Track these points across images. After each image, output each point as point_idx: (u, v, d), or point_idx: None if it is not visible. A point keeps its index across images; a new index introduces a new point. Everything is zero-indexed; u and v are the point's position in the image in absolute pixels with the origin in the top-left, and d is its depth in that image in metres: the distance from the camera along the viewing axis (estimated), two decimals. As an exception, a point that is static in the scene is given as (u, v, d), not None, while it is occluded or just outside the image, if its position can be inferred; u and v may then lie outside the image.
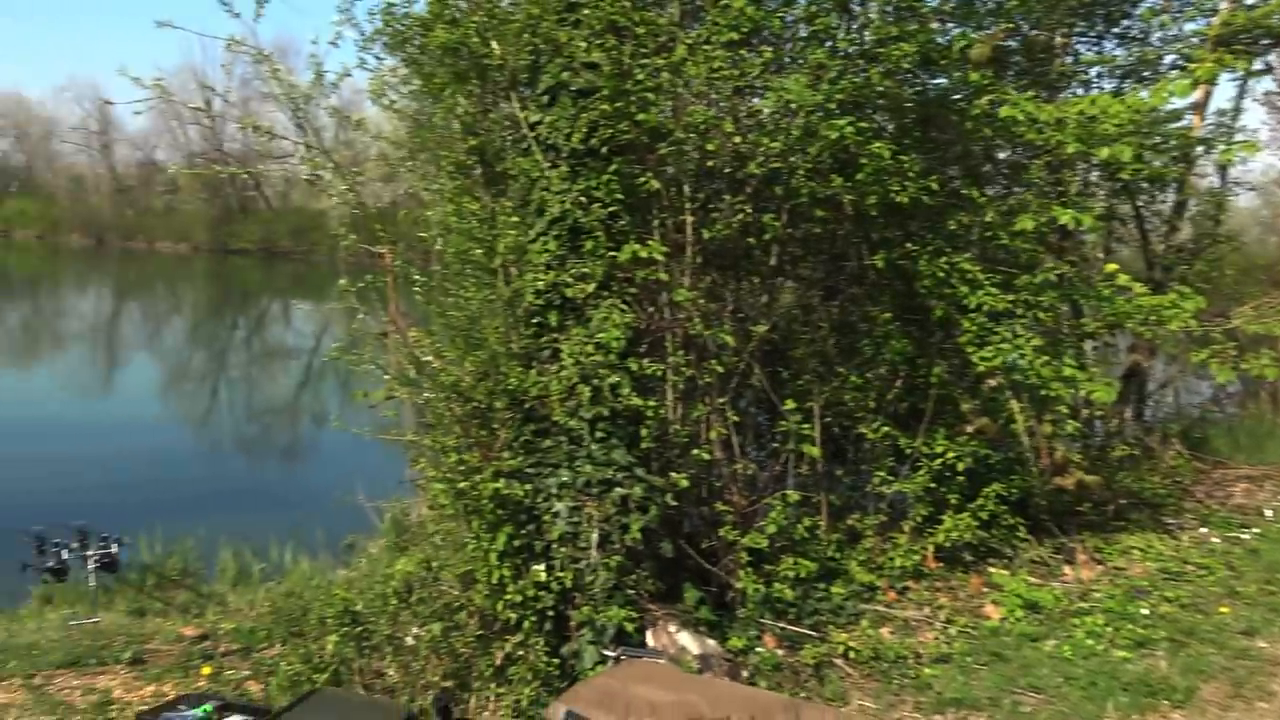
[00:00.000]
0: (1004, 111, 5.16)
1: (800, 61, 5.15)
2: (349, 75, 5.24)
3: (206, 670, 5.05)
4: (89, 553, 6.42)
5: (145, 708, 4.32)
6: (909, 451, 5.97)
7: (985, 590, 5.98)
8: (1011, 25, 6.15)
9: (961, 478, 5.91)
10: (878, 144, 4.74)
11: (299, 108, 5.23)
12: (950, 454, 5.89)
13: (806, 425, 5.44)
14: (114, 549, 6.51)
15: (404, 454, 5.63)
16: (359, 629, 4.95)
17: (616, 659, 4.31)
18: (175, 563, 7.71)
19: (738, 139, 4.96)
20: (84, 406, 17.92)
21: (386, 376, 5.04)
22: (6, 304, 34.22)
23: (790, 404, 5.39)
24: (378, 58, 5.49)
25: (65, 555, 6.45)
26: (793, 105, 4.63)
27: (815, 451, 5.45)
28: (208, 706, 3.75)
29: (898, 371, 5.93)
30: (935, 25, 5.51)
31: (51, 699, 4.82)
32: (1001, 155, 6.76)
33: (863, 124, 4.63)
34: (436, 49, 5.03)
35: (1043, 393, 5.73)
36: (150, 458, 13.80)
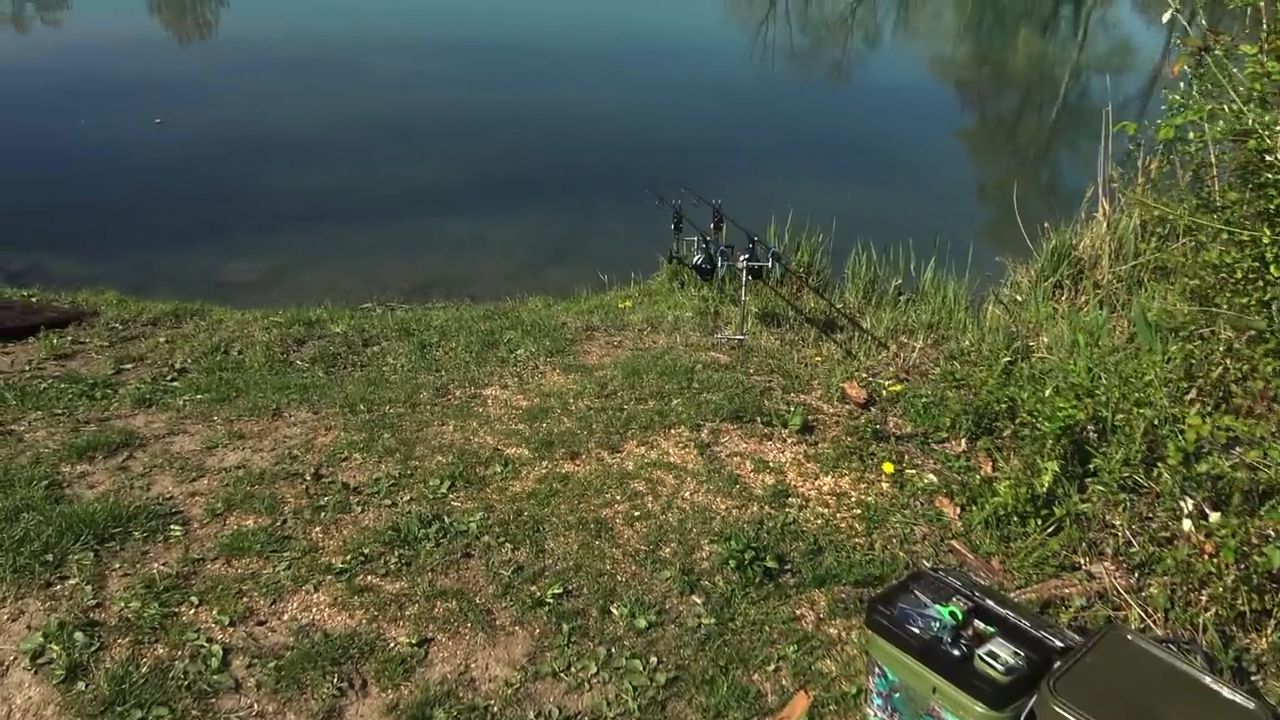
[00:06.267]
0: None
1: None
2: None
3: (889, 469, 4.12)
4: (737, 255, 5.53)
5: (876, 594, 3.32)
6: None
7: None
8: None
9: None
10: None
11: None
12: None
13: None
14: (769, 263, 5.62)
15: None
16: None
17: None
18: (802, 259, 6.73)
19: None
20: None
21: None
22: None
23: None
24: None
25: (716, 256, 5.67)
26: None
27: None
28: (956, 609, 2.74)
29: None
30: None
31: (723, 468, 4.14)
32: None
33: None
34: None
35: None
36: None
